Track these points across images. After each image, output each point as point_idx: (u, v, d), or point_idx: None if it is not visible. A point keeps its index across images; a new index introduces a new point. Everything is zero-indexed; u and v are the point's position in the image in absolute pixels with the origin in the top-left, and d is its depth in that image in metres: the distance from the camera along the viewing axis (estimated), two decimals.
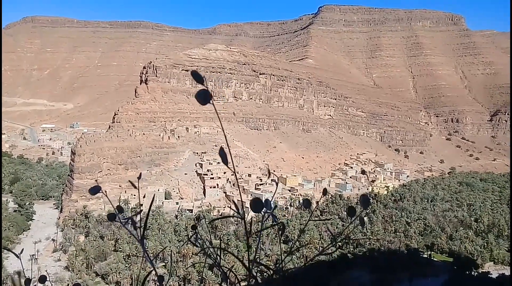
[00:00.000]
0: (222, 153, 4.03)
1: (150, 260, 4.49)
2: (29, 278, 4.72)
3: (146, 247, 4.62)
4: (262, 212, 4.21)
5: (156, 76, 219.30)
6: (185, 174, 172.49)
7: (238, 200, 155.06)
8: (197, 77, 3.86)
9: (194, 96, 3.79)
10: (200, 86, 3.84)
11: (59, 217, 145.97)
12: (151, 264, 4.50)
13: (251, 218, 4.91)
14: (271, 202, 4.30)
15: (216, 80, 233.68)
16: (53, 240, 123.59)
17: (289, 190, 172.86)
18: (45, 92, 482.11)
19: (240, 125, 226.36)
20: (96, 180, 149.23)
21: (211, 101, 3.79)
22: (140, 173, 6.66)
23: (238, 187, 6.08)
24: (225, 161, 4.00)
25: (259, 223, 4.51)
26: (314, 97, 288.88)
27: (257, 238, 4.53)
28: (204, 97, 3.72)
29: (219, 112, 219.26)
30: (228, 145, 4.01)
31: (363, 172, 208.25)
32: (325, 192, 5.57)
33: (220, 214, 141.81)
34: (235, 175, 4.11)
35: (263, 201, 4.19)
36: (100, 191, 4.61)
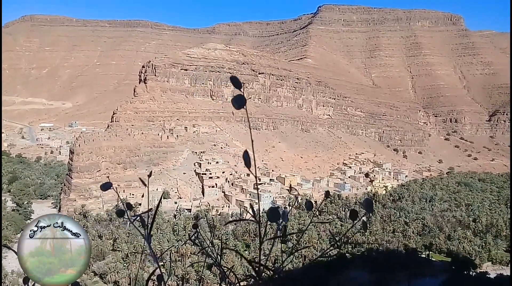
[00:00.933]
0: (246, 156, 4.16)
1: (155, 259, 4.49)
2: (27, 277, 4.73)
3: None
4: (277, 222, 4.28)
5: (155, 75, 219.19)
6: (184, 173, 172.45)
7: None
8: (236, 83, 4.06)
9: (231, 100, 4.01)
10: (238, 91, 4.04)
11: None
12: (156, 263, 4.51)
13: (266, 222, 5.00)
14: (288, 214, 4.39)
15: (215, 80, 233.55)
16: None
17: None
18: (43, 91, 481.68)
19: (239, 124, 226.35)
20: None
21: (244, 107, 4.04)
22: (151, 172, 6.69)
23: (257, 191, 5.96)
24: (248, 164, 4.13)
25: (266, 226, 4.52)
26: (313, 96, 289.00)
27: (266, 242, 4.55)
28: (239, 102, 4.01)
29: (218, 111, 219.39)
30: (253, 149, 4.13)
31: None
32: (327, 194, 5.59)
33: (219, 213, 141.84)
34: (256, 178, 4.16)
35: (281, 212, 4.28)
36: (111, 187, 4.65)
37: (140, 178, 5.73)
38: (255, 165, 4.10)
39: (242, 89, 4.01)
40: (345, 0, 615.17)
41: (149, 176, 5.59)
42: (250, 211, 4.56)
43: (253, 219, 4.33)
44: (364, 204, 4.47)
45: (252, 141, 4.40)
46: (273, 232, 4.69)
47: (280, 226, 4.35)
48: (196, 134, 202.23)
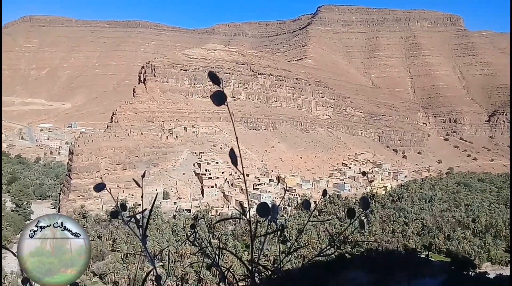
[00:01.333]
0: (232, 154, 4.06)
1: (150, 259, 4.51)
2: (27, 277, 4.75)
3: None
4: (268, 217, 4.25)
5: (155, 75, 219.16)
6: (183, 174, 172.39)
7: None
8: (214, 79, 3.94)
9: (210, 96, 3.87)
10: (216, 87, 3.92)
11: None
12: (151, 263, 4.53)
13: (256, 219, 4.95)
14: (277, 207, 4.34)
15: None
16: None
17: (287, 190, 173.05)
18: (43, 92, 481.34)
19: (238, 125, 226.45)
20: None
21: (225, 103, 3.90)
22: (144, 172, 6.67)
23: (246, 188, 5.99)
24: (234, 162, 4.04)
25: (258, 223, 4.54)
26: (313, 97, 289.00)
27: (259, 239, 4.56)
28: (219, 98, 3.87)
29: (218, 111, 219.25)
30: (239, 147, 4.02)
31: (363, 173, 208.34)
32: (325, 193, 5.58)
33: (218, 214, 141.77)
34: (244, 176, 4.13)
35: (270, 206, 4.23)
36: (105, 188, 4.66)
37: (133, 179, 5.73)
38: (241, 163, 4.07)
39: (221, 85, 3.89)
40: (344, 0, 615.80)
41: (143, 176, 5.60)
42: (240, 209, 4.56)
43: (243, 217, 4.32)
44: (360, 202, 4.50)
45: (237, 138, 4.38)
46: (266, 231, 4.69)
47: (277, 224, 4.34)
48: (195, 134, 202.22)
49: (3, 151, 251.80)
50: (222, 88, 3.84)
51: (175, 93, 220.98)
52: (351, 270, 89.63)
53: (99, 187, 4.82)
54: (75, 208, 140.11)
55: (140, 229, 4.63)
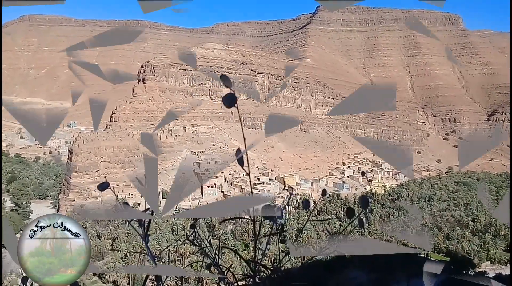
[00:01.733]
0: (239, 155, 4.09)
1: (152, 258, 4.52)
2: (26, 276, 4.74)
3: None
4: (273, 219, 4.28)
5: (154, 75, 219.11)
6: (183, 173, 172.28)
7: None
8: (226, 81, 3.97)
9: (222, 99, 3.92)
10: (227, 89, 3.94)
11: None
12: (153, 261, 4.53)
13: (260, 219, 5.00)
14: (283, 211, 4.38)
15: (214, 80, 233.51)
16: None
17: (287, 190, 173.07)
18: (42, 91, 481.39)
19: (237, 124, 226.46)
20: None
21: (235, 105, 3.94)
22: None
23: (251, 188, 5.94)
24: (241, 163, 4.06)
25: (261, 223, 4.56)
26: (312, 96, 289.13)
27: (261, 239, 4.58)
28: (230, 101, 3.90)
29: (217, 111, 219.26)
30: (246, 148, 4.04)
31: (362, 173, 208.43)
32: (324, 193, 5.59)
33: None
34: (249, 177, 4.15)
35: (275, 209, 4.27)
36: (109, 187, 4.67)
37: (137, 178, 5.73)
38: (248, 164, 4.09)
39: (232, 88, 3.93)
40: None
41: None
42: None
43: (247, 217, 4.34)
44: (360, 201, 4.50)
45: (245, 139, 4.39)
46: (271, 231, 4.71)
47: (277, 224, 4.36)
48: (194, 134, 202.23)
49: (2, 150, 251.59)
50: (233, 91, 3.90)
51: (175, 92, 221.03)
52: (351, 269, 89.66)
53: (103, 186, 4.83)
54: (74, 208, 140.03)
55: (142, 228, 4.66)
